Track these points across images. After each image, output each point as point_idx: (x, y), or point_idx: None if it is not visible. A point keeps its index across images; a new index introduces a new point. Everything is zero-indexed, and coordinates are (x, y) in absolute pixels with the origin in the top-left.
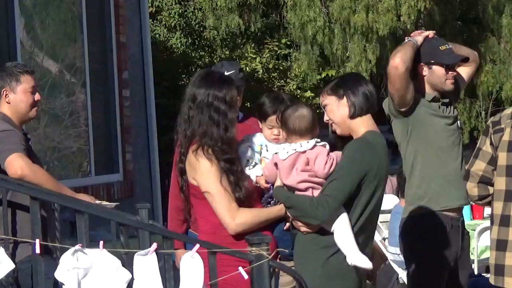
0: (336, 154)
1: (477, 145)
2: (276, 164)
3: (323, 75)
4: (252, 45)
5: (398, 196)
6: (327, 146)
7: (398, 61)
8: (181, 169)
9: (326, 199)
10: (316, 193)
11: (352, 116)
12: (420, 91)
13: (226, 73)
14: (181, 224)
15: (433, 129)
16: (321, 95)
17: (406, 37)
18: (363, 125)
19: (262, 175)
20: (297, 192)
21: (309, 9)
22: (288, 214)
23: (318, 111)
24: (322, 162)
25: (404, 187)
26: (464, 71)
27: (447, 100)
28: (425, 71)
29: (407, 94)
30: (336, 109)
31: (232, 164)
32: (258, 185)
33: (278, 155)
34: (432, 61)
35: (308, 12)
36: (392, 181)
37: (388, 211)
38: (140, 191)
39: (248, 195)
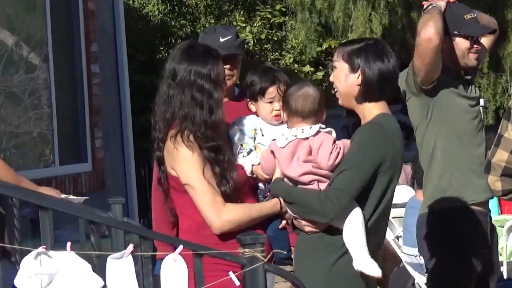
0: (344, 143)
1: (498, 131)
2: (273, 153)
3: (324, 47)
4: (242, 12)
5: (413, 187)
6: (333, 133)
7: (432, 31)
8: (159, 158)
9: (336, 193)
10: (323, 186)
11: (360, 100)
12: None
13: (221, 40)
14: (171, 227)
15: (456, 111)
16: (336, 52)
17: (425, 2)
18: (374, 108)
19: (259, 164)
20: (299, 186)
21: None
22: (288, 211)
23: (320, 87)
24: (327, 152)
25: (421, 177)
26: (484, 42)
27: (469, 77)
28: (447, 43)
29: (436, 70)
30: (343, 79)
31: (217, 153)
32: (254, 175)
33: (276, 141)
34: (456, 32)
35: None
36: (405, 170)
37: (402, 205)
38: (113, 183)
39: (237, 188)
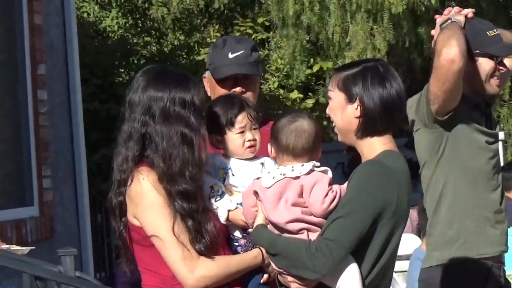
0: (340, 188)
1: None
2: (256, 193)
3: (314, 69)
4: (217, 26)
5: (420, 237)
6: (329, 173)
7: (456, 51)
8: (120, 204)
9: (328, 244)
10: (313, 237)
11: (360, 135)
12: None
13: (230, 56)
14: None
15: (472, 149)
16: (331, 80)
17: (437, 16)
18: (377, 144)
19: (235, 208)
20: (285, 235)
21: None
22: (272, 264)
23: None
24: (321, 194)
25: (426, 225)
26: (507, 64)
27: (490, 109)
28: (468, 65)
29: (456, 98)
30: (339, 112)
31: (190, 202)
32: (229, 223)
33: (261, 180)
34: (478, 51)
35: None
36: (412, 216)
37: (406, 257)
38: (63, 230)
39: (213, 242)
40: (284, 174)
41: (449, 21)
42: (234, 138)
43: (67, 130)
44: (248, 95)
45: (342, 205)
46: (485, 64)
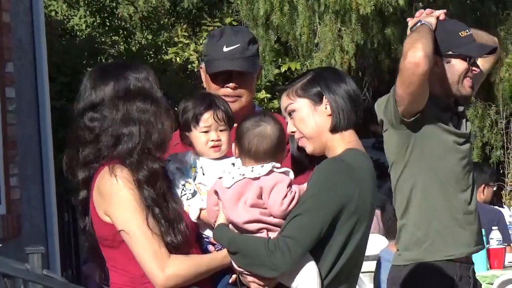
0: (300, 188)
1: None
2: (217, 193)
3: (282, 69)
4: (185, 26)
5: (387, 237)
6: (291, 174)
7: (421, 55)
8: (85, 200)
9: (287, 242)
10: (274, 236)
11: (335, 130)
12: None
13: (224, 49)
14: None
15: (441, 150)
16: (284, 96)
17: (410, 19)
18: (343, 142)
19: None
20: (246, 234)
21: None
22: (233, 264)
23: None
24: (280, 195)
25: (393, 226)
26: (481, 65)
27: (461, 109)
28: (439, 66)
29: (422, 100)
30: (311, 118)
31: (162, 197)
32: (200, 221)
33: (222, 180)
34: (451, 52)
35: None
36: (378, 216)
37: (373, 258)
38: (30, 228)
39: (185, 240)
40: (243, 175)
41: (419, 24)
42: (199, 136)
43: (35, 128)
44: (241, 92)
45: (301, 202)
46: (458, 65)
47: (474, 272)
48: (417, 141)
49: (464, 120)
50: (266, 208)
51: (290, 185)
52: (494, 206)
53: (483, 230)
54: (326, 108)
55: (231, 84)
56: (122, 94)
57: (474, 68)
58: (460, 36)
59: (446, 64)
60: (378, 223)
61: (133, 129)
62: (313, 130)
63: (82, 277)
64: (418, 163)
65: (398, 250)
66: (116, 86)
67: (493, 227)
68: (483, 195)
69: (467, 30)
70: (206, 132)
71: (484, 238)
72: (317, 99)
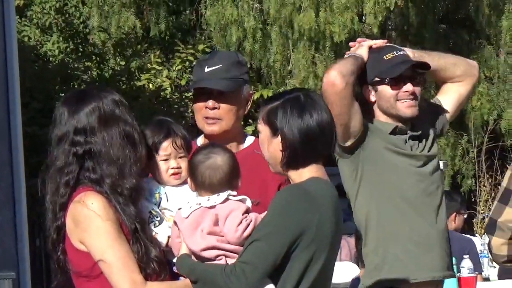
0: (257, 216)
1: (503, 186)
2: (176, 224)
3: (255, 97)
4: (157, 53)
5: (358, 265)
6: (248, 202)
7: (334, 74)
8: (58, 229)
9: (243, 267)
10: (232, 262)
11: (286, 168)
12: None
13: (206, 70)
14: None
15: (393, 174)
16: (260, 112)
17: (347, 52)
18: (306, 172)
19: None
20: (206, 262)
21: (234, 4)
22: None
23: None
24: (234, 222)
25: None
26: (453, 89)
27: (417, 133)
28: (373, 94)
29: (351, 121)
30: (267, 145)
31: (139, 223)
32: (168, 249)
33: (180, 211)
34: (377, 79)
35: (232, 9)
36: (350, 243)
37: (345, 285)
38: (1, 254)
39: (159, 267)
40: (199, 204)
41: (346, 56)
42: (159, 164)
43: (7, 153)
44: (221, 114)
45: (259, 228)
46: (385, 91)
47: None
48: (365, 167)
49: (426, 142)
50: (223, 236)
51: (246, 212)
52: (466, 235)
53: (453, 258)
54: (280, 143)
55: (210, 103)
56: (104, 119)
57: (406, 88)
58: (383, 60)
59: (376, 92)
60: (350, 250)
61: (118, 153)
62: (269, 157)
63: None
64: (369, 189)
65: (362, 278)
66: (96, 111)
67: (464, 256)
68: (455, 223)
69: (395, 52)
70: (166, 160)
71: (455, 266)
72: (275, 132)
